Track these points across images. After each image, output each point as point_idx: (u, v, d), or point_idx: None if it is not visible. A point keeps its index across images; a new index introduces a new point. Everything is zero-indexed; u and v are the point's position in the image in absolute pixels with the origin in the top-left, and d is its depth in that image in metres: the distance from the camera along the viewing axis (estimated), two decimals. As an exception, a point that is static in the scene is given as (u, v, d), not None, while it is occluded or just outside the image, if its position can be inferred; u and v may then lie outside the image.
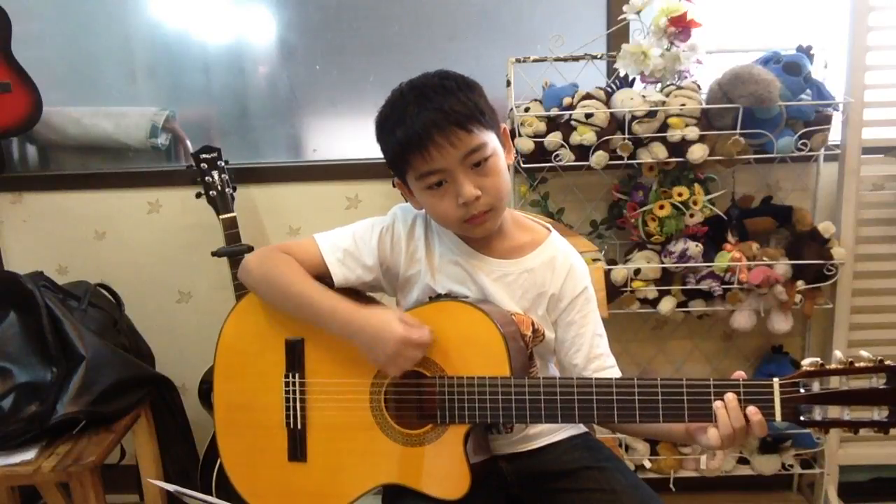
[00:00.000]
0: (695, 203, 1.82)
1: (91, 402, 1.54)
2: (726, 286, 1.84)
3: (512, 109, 1.85)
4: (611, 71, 1.90)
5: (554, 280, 1.16)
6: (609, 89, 1.82)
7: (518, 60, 1.89)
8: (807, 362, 0.96)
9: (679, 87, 1.78)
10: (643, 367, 2.11)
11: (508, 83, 1.89)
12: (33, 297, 1.58)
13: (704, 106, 1.75)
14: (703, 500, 2.12)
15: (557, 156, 1.77)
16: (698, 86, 1.79)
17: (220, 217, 1.86)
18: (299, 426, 1.15)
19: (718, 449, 1.00)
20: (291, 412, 1.15)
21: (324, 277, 1.16)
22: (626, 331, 2.06)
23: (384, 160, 1.13)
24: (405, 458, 1.10)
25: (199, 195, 1.89)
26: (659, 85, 1.82)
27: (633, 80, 1.84)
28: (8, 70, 1.90)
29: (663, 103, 1.74)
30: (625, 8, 1.77)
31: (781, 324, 1.88)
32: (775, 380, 0.97)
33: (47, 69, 2.05)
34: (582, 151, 1.77)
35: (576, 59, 1.89)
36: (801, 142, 1.76)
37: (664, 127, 1.75)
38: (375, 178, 2.03)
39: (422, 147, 1.04)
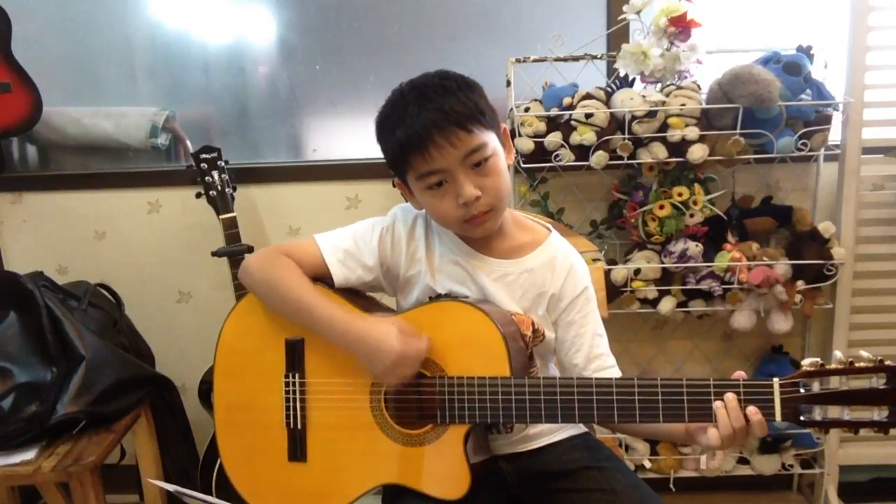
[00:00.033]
0: (695, 203, 1.82)
1: (91, 402, 1.54)
2: (726, 286, 1.84)
3: (512, 109, 1.85)
4: (611, 71, 1.90)
5: (554, 280, 1.17)
6: (609, 89, 1.82)
7: (518, 60, 1.89)
8: (807, 362, 0.96)
9: (679, 87, 1.78)
10: (643, 367, 2.11)
11: (508, 83, 1.89)
12: (33, 297, 1.58)
13: (704, 106, 1.75)
14: (703, 500, 2.12)
15: (557, 156, 1.77)
16: (698, 86, 1.79)
17: (220, 217, 1.86)
18: (299, 426, 1.15)
19: (718, 449, 0.99)
20: (291, 412, 1.15)
21: (324, 278, 1.16)
22: (626, 331, 2.06)
23: (384, 160, 1.13)
24: (405, 458, 1.10)
25: (199, 195, 1.89)
26: (659, 85, 1.82)
27: (633, 80, 1.84)
28: (8, 70, 1.90)
29: (663, 103, 1.74)
30: (625, 8, 1.77)
31: (781, 324, 1.88)
32: (775, 380, 0.97)
33: (47, 69, 2.05)
34: (582, 151, 1.77)
35: (576, 59, 1.89)
36: (801, 142, 1.76)
37: (664, 127, 1.75)
38: (375, 178, 2.03)
39: (422, 147, 1.04)
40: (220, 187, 1.86)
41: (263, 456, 1.17)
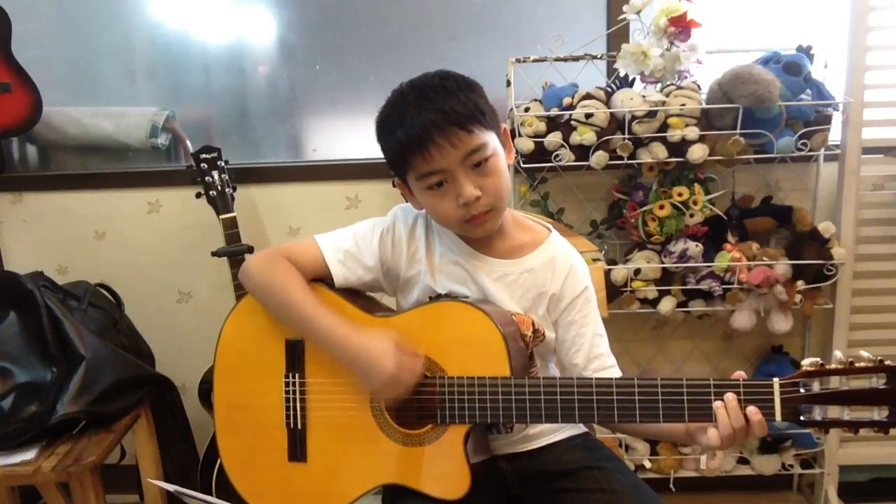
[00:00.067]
0: (695, 203, 1.82)
1: (91, 402, 1.54)
2: (726, 286, 1.84)
3: (512, 109, 1.85)
4: (611, 71, 1.90)
5: (554, 280, 1.17)
6: (609, 89, 1.82)
7: (518, 60, 1.89)
8: (807, 362, 0.96)
9: (679, 87, 1.77)
10: (643, 367, 2.11)
11: (508, 83, 1.89)
12: (33, 297, 1.58)
13: (704, 106, 1.75)
14: (703, 500, 2.12)
15: (557, 156, 1.77)
16: (698, 86, 1.79)
17: (220, 217, 1.86)
18: (299, 426, 1.15)
19: (718, 449, 1.00)
20: (291, 412, 1.15)
21: (325, 278, 1.17)
22: (626, 331, 2.07)
23: (384, 160, 1.13)
24: (405, 458, 1.10)
25: (199, 195, 1.89)
26: (659, 85, 1.82)
27: (633, 80, 1.84)
28: (8, 70, 1.90)
29: (663, 103, 1.74)
30: (625, 8, 1.77)
31: (781, 324, 1.88)
32: (775, 380, 0.97)
33: (47, 69, 2.05)
34: (582, 151, 1.77)
35: (576, 59, 1.89)
36: (801, 142, 1.76)
37: (664, 127, 1.75)
38: (375, 178, 2.03)
39: (422, 147, 1.04)
40: (220, 187, 1.86)
41: (263, 456, 1.17)
